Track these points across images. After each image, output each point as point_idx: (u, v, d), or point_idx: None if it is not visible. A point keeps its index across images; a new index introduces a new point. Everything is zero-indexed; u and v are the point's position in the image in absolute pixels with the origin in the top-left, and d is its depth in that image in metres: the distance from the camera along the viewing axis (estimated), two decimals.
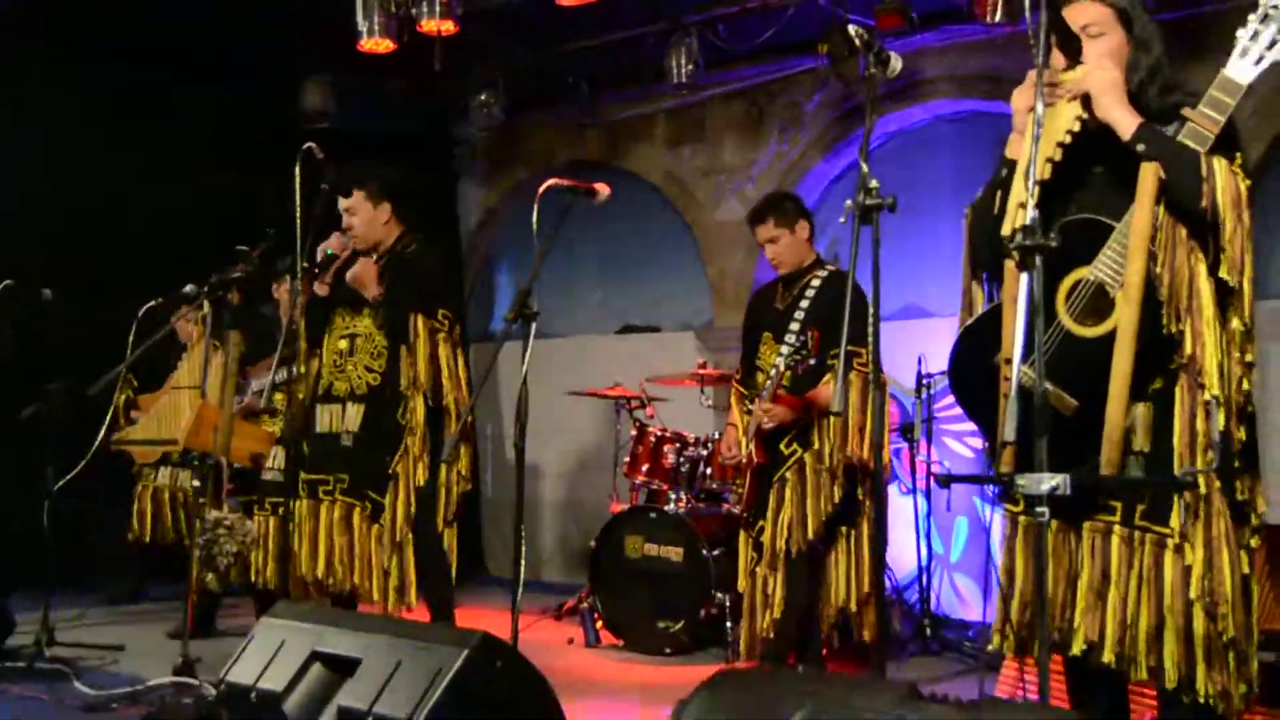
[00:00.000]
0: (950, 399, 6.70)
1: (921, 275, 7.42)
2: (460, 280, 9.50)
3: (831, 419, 4.81)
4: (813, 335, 4.92)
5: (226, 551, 4.48)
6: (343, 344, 5.02)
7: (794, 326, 4.99)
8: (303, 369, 5.03)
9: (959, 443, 7.24)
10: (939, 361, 6.48)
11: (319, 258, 4.93)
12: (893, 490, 6.88)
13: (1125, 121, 2.86)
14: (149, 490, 7.00)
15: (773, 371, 5.00)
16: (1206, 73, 2.90)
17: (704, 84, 7.82)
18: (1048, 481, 2.48)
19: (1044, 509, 2.52)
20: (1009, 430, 2.56)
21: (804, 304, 5.04)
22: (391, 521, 4.82)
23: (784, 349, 4.95)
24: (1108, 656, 2.84)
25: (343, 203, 5.00)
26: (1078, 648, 2.89)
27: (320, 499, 4.93)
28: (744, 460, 5.12)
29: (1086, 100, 2.89)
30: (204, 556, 4.48)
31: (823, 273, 5.13)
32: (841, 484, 4.85)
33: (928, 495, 6.64)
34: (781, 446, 4.97)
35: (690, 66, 7.47)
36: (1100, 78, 2.89)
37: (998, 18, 6.40)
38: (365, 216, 5.02)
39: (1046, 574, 2.74)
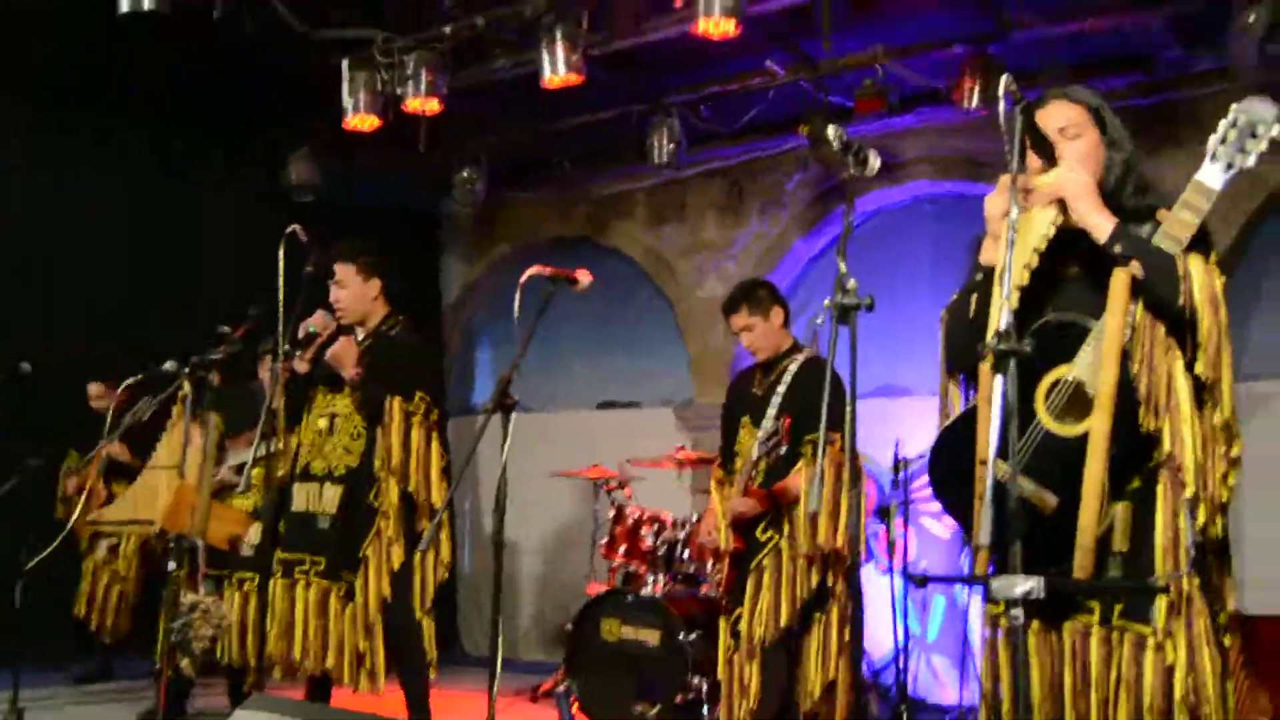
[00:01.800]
0: (926, 479, 6.73)
1: (899, 354, 7.44)
2: (439, 364, 9.51)
3: (802, 505, 4.80)
4: (784, 423, 4.92)
5: (203, 636, 4.43)
6: (322, 423, 5.01)
7: (771, 411, 5.00)
8: (281, 446, 5.02)
9: (936, 523, 7.24)
10: (915, 444, 6.49)
11: (301, 334, 4.93)
12: (870, 570, 6.86)
13: (1101, 225, 2.88)
14: (93, 565, 7.01)
15: (744, 464, 5.02)
16: (1179, 158, 2.96)
17: (686, 163, 7.89)
18: (1021, 586, 2.48)
19: (1018, 612, 2.53)
20: (983, 534, 2.57)
21: (781, 389, 5.05)
22: (364, 604, 4.79)
23: (760, 435, 4.95)
24: None
25: (336, 276, 5.03)
26: None
27: (295, 579, 4.90)
28: (722, 547, 5.11)
29: (1062, 204, 2.92)
30: (179, 641, 4.43)
31: (800, 357, 5.15)
32: (818, 570, 4.84)
33: (907, 586, 6.62)
34: (758, 533, 4.97)
35: (672, 146, 7.54)
36: (1075, 182, 2.92)
37: (974, 103, 6.49)
38: (355, 290, 5.04)
39: (1027, 679, 2.74)
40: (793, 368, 5.11)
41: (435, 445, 4.91)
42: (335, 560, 4.85)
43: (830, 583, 4.87)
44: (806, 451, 4.86)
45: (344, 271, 5.03)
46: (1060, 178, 2.93)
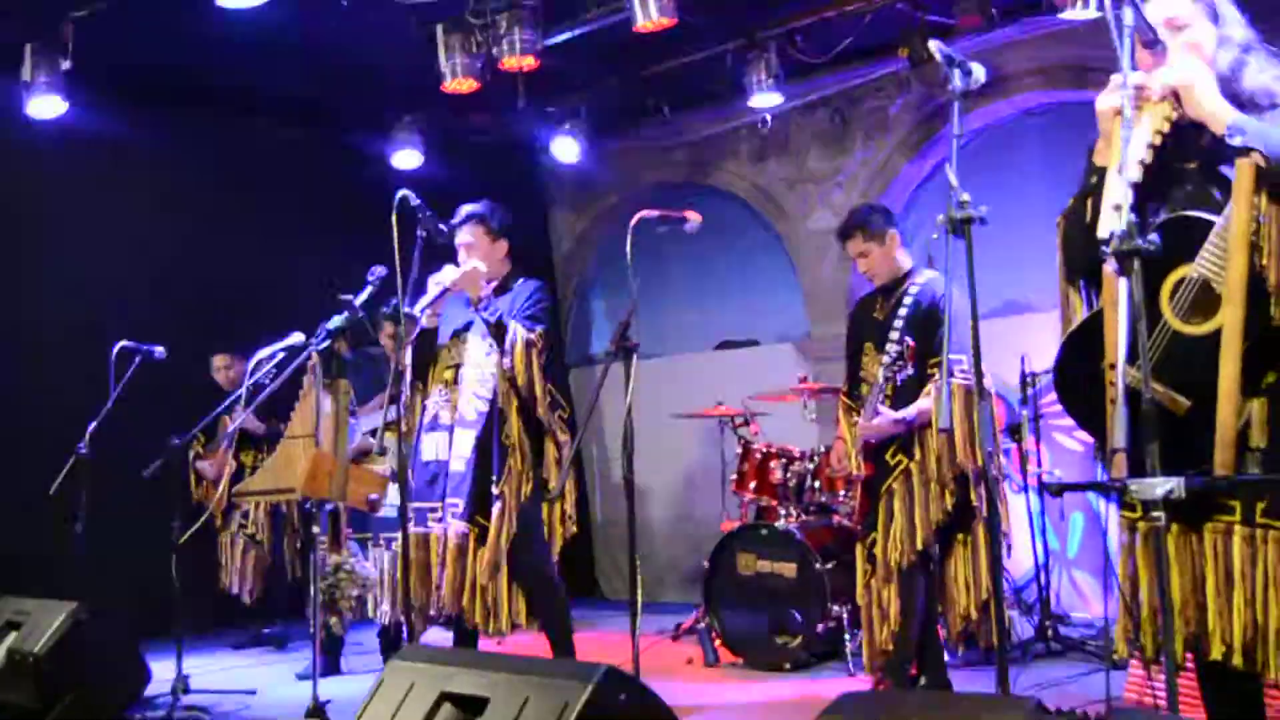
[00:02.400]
0: (1055, 395, 6.64)
1: (1019, 270, 7.32)
2: (555, 309, 9.59)
3: (933, 427, 4.78)
4: (908, 345, 4.89)
5: (348, 595, 4.57)
6: (448, 374, 5.11)
7: (894, 335, 4.96)
8: (409, 403, 5.13)
9: (1069, 438, 7.14)
10: (1041, 358, 6.40)
11: (431, 290, 5.01)
12: (1005, 489, 6.80)
13: (1218, 116, 2.80)
14: (228, 538, 7.31)
15: (874, 387, 4.99)
16: None
17: (786, 95, 7.82)
18: (1161, 486, 2.46)
19: (1159, 514, 2.50)
20: (1119, 437, 2.53)
21: (902, 312, 5.01)
22: (494, 543, 4.88)
23: (884, 359, 4.93)
24: (1237, 659, 2.79)
25: (461, 237, 5.10)
26: (1216, 652, 2.82)
27: (430, 526, 5.01)
28: (853, 473, 5.12)
29: (1176, 100, 2.84)
30: (327, 600, 4.58)
31: (920, 279, 5.10)
32: (953, 492, 4.82)
33: (1040, 493, 6.56)
34: (887, 457, 4.95)
35: (770, 80, 7.47)
36: (1189, 73, 2.84)
37: (1078, 7, 6.32)
38: (484, 251, 5.11)
39: (1169, 580, 2.70)
40: (913, 290, 5.06)
41: (550, 383, 4.97)
42: (471, 503, 4.94)
43: (974, 502, 4.84)
44: (934, 374, 4.82)
45: (474, 232, 5.11)
46: (1173, 70, 2.85)
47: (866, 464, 5.05)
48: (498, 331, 4.92)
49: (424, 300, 4.91)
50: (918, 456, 4.86)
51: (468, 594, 4.90)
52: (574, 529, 5.07)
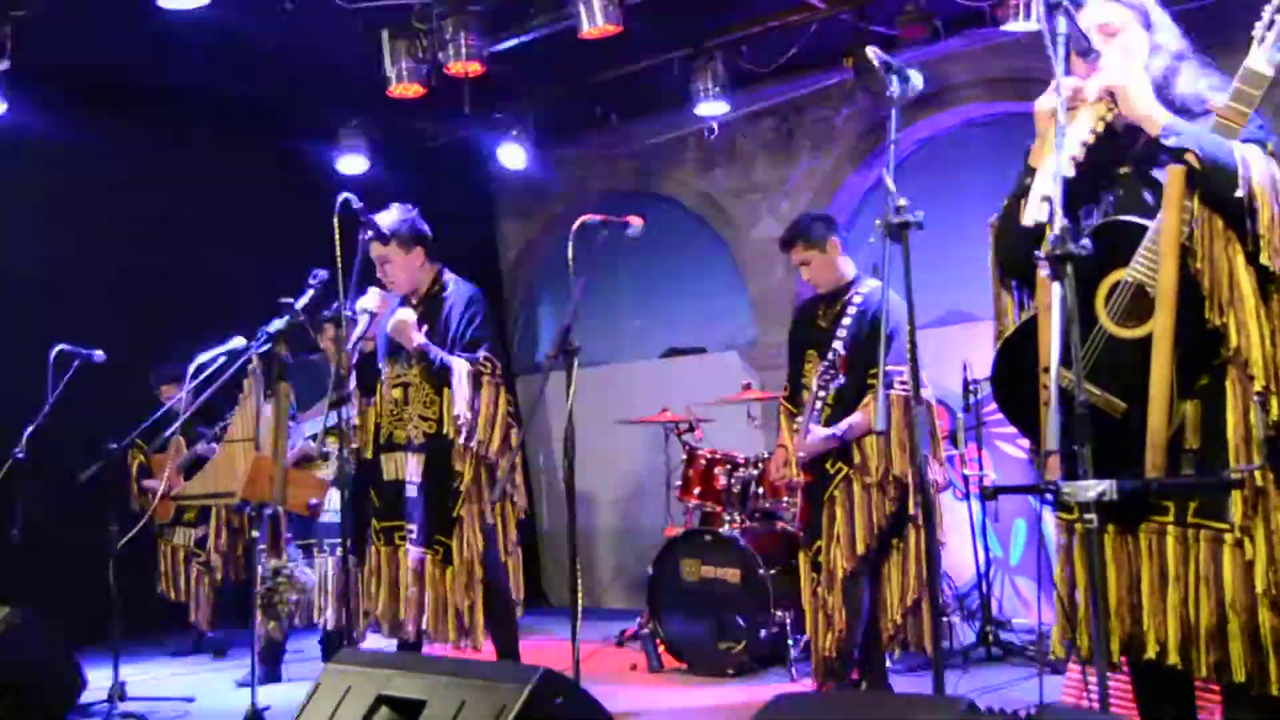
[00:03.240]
0: None
1: (960, 280, 7.38)
2: (501, 316, 9.58)
3: (873, 436, 4.82)
4: (840, 356, 4.88)
5: (287, 599, 4.54)
6: (396, 393, 5.10)
7: (837, 345, 4.96)
8: (358, 421, 5.12)
9: (1011, 445, 7.20)
10: (983, 367, 6.45)
11: (357, 317, 4.99)
12: (947, 497, 6.85)
13: (1152, 118, 2.84)
14: (169, 549, 7.24)
15: (805, 397, 5.02)
16: (1235, 60, 2.88)
17: (732, 105, 7.86)
18: (1094, 489, 2.48)
19: (1092, 515, 2.53)
20: (1051, 439, 2.56)
21: (845, 321, 5.03)
22: (465, 564, 4.90)
23: (819, 369, 4.95)
24: (1173, 658, 2.82)
25: (374, 252, 5.05)
26: (1151, 651, 2.86)
27: (397, 544, 5.02)
28: (793, 480, 5.14)
29: (1112, 101, 2.88)
30: (265, 604, 4.54)
31: (864, 289, 5.13)
32: (893, 498, 4.85)
33: (982, 501, 6.61)
34: (827, 466, 4.98)
35: (716, 89, 7.50)
36: (1124, 74, 2.88)
37: (1020, 20, 6.39)
38: (400, 264, 5.08)
39: (1103, 581, 2.73)
40: (857, 300, 5.08)
41: (503, 400, 4.96)
42: (426, 526, 4.96)
43: (912, 509, 4.86)
44: (873, 383, 4.84)
45: (385, 251, 5.05)
46: (1109, 71, 2.89)
47: (806, 472, 5.07)
48: (439, 377, 4.92)
49: (356, 332, 4.87)
50: (857, 462, 4.89)
51: (431, 614, 4.92)
52: (523, 515, 5.07)
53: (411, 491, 5.00)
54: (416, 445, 5.01)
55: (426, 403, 4.99)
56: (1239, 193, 2.74)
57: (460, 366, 4.90)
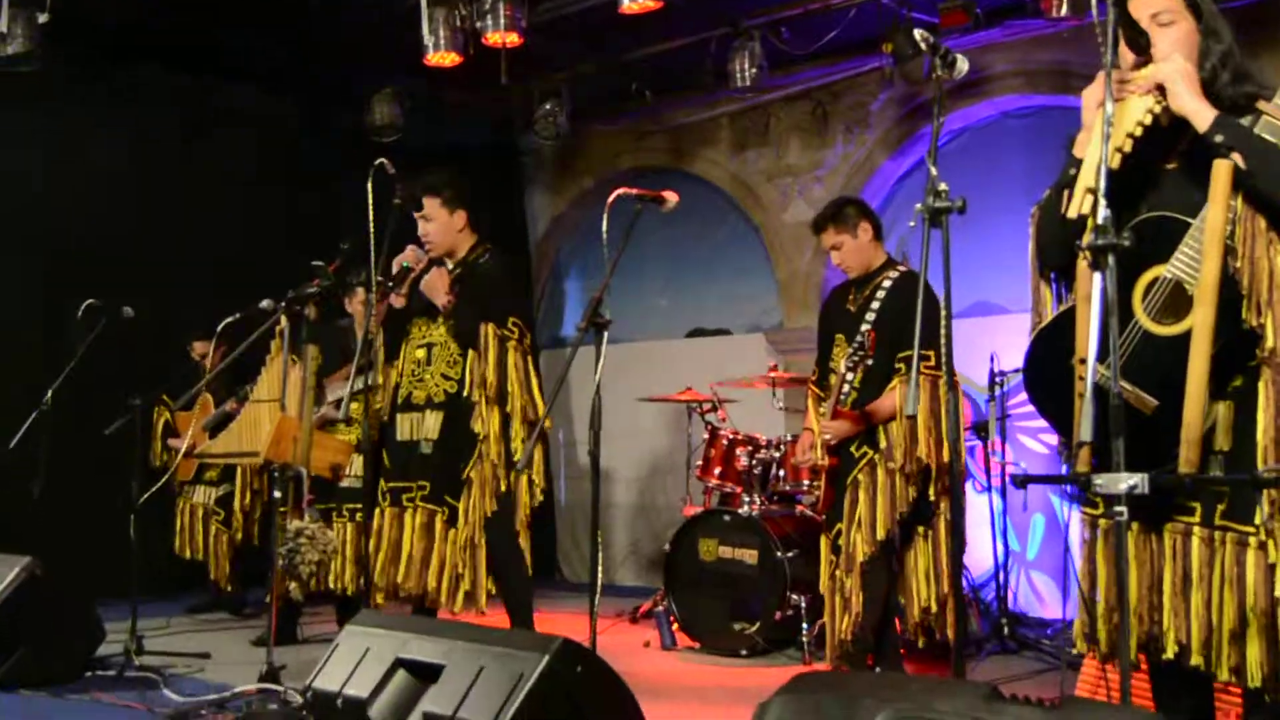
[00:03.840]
0: (1023, 396, 6.67)
1: (992, 271, 7.36)
2: (529, 289, 9.59)
3: (897, 420, 4.81)
4: (869, 335, 4.90)
5: (309, 560, 4.55)
6: (420, 353, 5.09)
7: (865, 328, 4.99)
8: (380, 379, 5.12)
9: (1034, 440, 7.18)
10: (1011, 359, 6.44)
11: (394, 270, 5.01)
12: (968, 489, 6.84)
13: (1202, 113, 2.81)
14: (188, 507, 7.28)
15: (833, 381, 5.03)
16: (1272, 61, 2.85)
17: (767, 86, 7.83)
18: (1125, 481, 2.46)
19: (1122, 509, 2.51)
20: (1085, 430, 2.53)
21: (874, 305, 5.04)
22: (466, 525, 4.88)
23: (849, 351, 4.96)
24: (1195, 659, 2.81)
25: (420, 210, 5.08)
26: (1171, 651, 2.84)
27: (404, 506, 5.01)
28: (818, 464, 5.14)
29: (1161, 93, 2.85)
30: (286, 566, 4.56)
31: (894, 274, 5.13)
32: (916, 485, 4.86)
33: (1003, 494, 6.60)
34: (852, 449, 5.01)
35: (754, 70, 7.48)
36: (1174, 69, 2.84)
37: (1063, 11, 6.36)
38: (441, 223, 5.08)
39: (1127, 575, 2.72)
40: (886, 284, 5.09)
41: (531, 367, 4.97)
42: (438, 485, 4.95)
43: (933, 496, 4.88)
44: (901, 367, 4.86)
45: (429, 205, 5.07)
46: (1158, 65, 2.86)
47: (831, 456, 5.08)
48: (468, 337, 4.92)
49: (391, 284, 4.91)
50: (882, 446, 4.90)
51: (433, 575, 4.91)
52: (541, 498, 5.06)
53: (426, 449, 5.00)
54: (436, 404, 5.00)
55: (450, 362, 5.00)
56: None
57: (486, 331, 4.90)
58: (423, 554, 4.92)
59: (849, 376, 4.96)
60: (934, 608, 4.94)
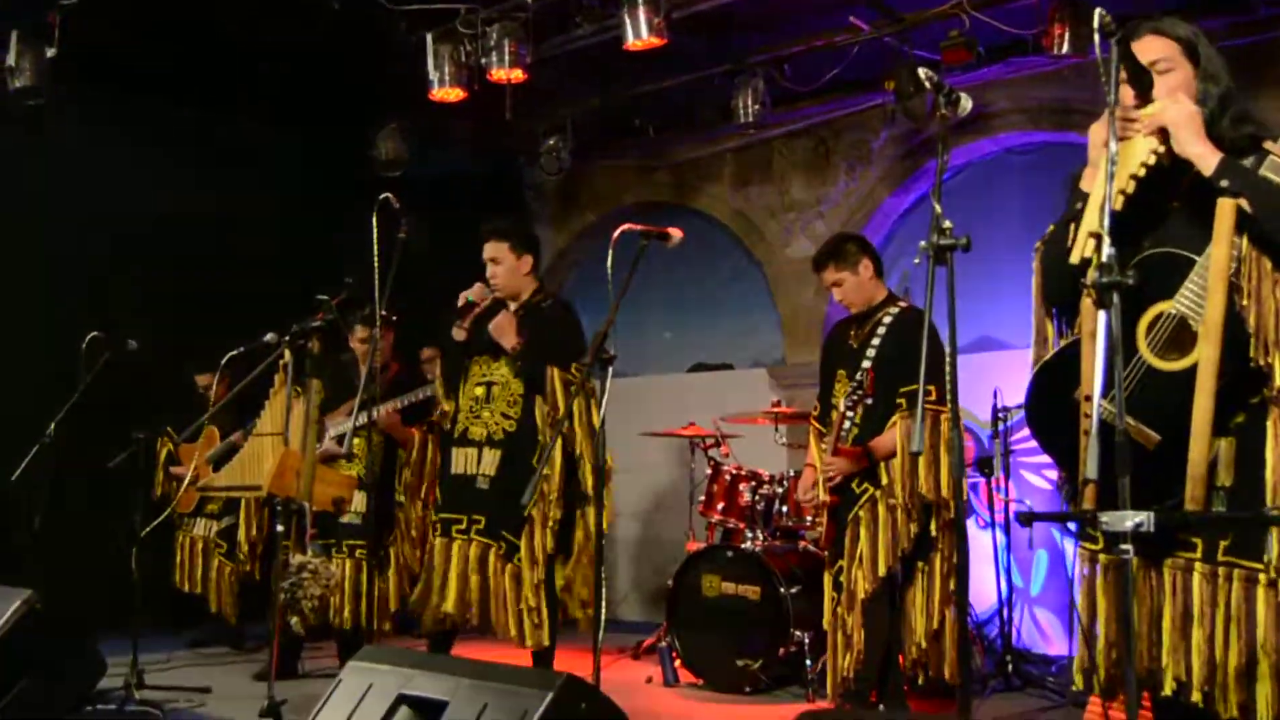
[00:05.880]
0: (1026, 431, 6.67)
1: (994, 307, 7.38)
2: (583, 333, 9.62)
3: (899, 457, 4.81)
4: (868, 374, 4.91)
5: (311, 595, 4.54)
6: (479, 390, 5.18)
7: (866, 365, 5.00)
8: (445, 407, 5.27)
9: (1037, 475, 7.17)
10: (1014, 394, 6.44)
11: (460, 303, 5.14)
12: (970, 525, 6.82)
13: (1206, 156, 2.82)
14: (187, 540, 7.28)
15: (836, 418, 5.02)
16: (1273, 100, 2.87)
17: (770, 123, 7.87)
18: (1131, 519, 2.46)
19: (1128, 546, 2.50)
20: (1090, 468, 2.53)
21: (875, 341, 5.05)
22: (531, 561, 4.95)
23: (848, 390, 4.96)
24: (1195, 696, 2.80)
25: (487, 251, 5.20)
26: (1169, 688, 2.83)
27: (453, 537, 5.10)
28: (820, 500, 5.13)
29: (1164, 135, 2.87)
30: (288, 600, 4.55)
31: (894, 309, 5.14)
32: (918, 521, 4.84)
33: (1006, 530, 6.58)
34: (853, 486, 5.00)
35: (757, 106, 7.53)
36: (1178, 111, 2.86)
37: (1064, 49, 6.40)
38: (509, 266, 5.21)
39: (1131, 613, 2.71)
40: (887, 320, 5.10)
41: (594, 410, 4.99)
42: (495, 520, 5.02)
43: (933, 533, 4.87)
44: (903, 403, 4.86)
45: (497, 249, 5.20)
46: (1163, 107, 2.87)
47: (833, 494, 5.07)
48: (535, 380, 5.02)
49: (455, 317, 5.10)
50: (884, 483, 4.90)
51: (495, 608, 5.00)
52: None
53: (482, 484, 5.08)
54: (495, 441, 5.09)
55: (510, 402, 5.08)
56: None
57: (553, 373, 4.99)
58: (479, 586, 5.01)
59: (849, 414, 4.97)
60: (925, 644, 4.91)
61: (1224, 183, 2.78)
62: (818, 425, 5.29)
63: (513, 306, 5.23)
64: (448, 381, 5.29)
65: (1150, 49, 2.98)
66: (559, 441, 4.93)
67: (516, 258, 5.22)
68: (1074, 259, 2.83)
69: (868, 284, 5.18)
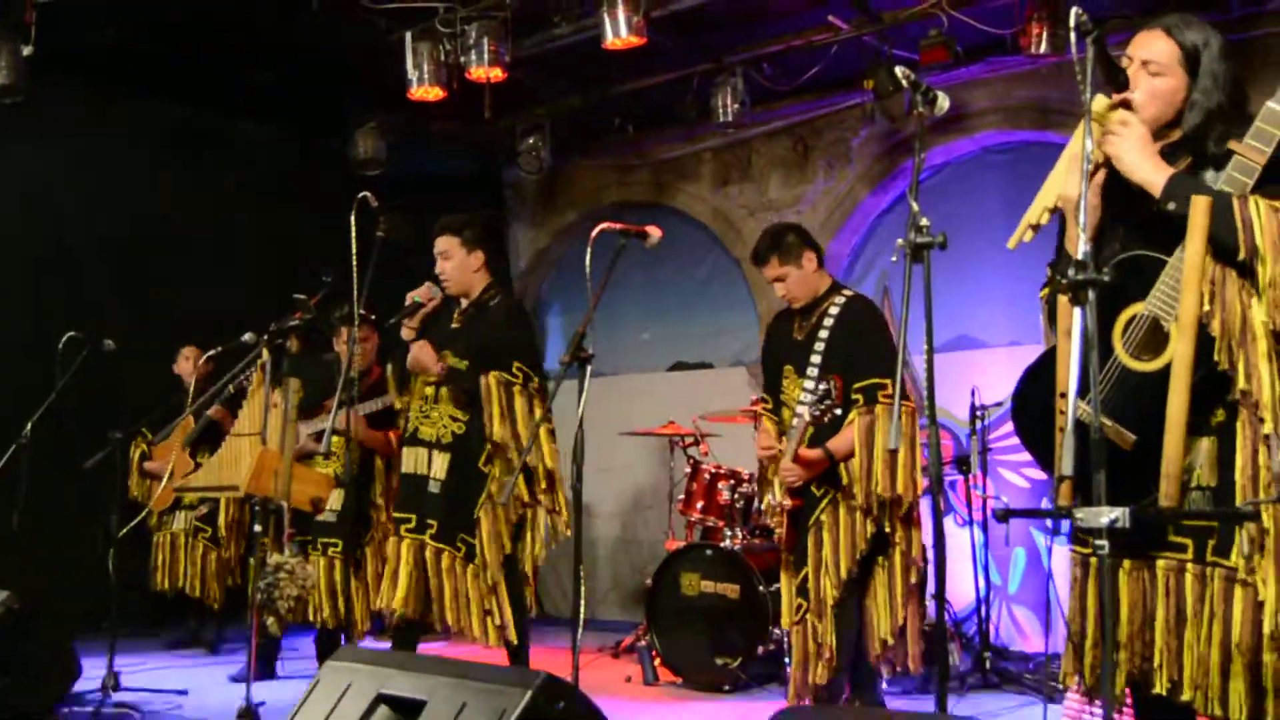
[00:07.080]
0: (1005, 429, 6.70)
1: (972, 306, 7.41)
2: (534, 331, 9.60)
3: (856, 456, 4.68)
4: (835, 383, 4.61)
5: (287, 595, 4.53)
6: (429, 390, 5.12)
7: (815, 359, 4.81)
8: (396, 401, 5.29)
9: (1015, 473, 7.20)
10: (992, 393, 6.46)
11: (406, 303, 5.06)
12: (949, 523, 6.84)
13: (1153, 181, 2.84)
14: (167, 537, 7.21)
15: (795, 421, 4.77)
16: (1259, 97, 2.88)
17: (749, 122, 7.88)
18: (1106, 515, 2.47)
19: (1103, 542, 2.51)
20: (1066, 465, 2.55)
21: (823, 334, 4.83)
22: (484, 563, 4.92)
23: (805, 397, 4.73)
24: (1187, 695, 2.80)
25: (437, 245, 5.12)
26: (1161, 687, 2.84)
27: (402, 536, 5.05)
28: (780, 506, 4.93)
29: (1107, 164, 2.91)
30: (265, 600, 4.53)
31: (840, 299, 4.91)
32: (875, 520, 4.71)
33: (984, 527, 6.60)
34: (814, 489, 4.81)
35: (736, 105, 7.54)
36: (1122, 145, 2.88)
37: (1043, 49, 6.43)
38: (458, 261, 5.12)
39: (1113, 612, 2.72)
40: (834, 310, 4.86)
41: (539, 410, 4.95)
42: (448, 523, 4.97)
43: (887, 529, 4.73)
44: (859, 399, 4.69)
45: (448, 244, 5.11)
46: (1109, 140, 2.89)
47: (794, 497, 4.87)
48: (470, 396, 4.94)
49: (401, 317, 5.00)
50: (844, 484, 4.73)
51: (458, 610, 4.95)
52: (568, 533, 5.05)
53: (433, 488, 5.01)
54: (444, 444, 5.02)
55: (459, 404, 5.01)
56: (1240, 256, 2.74)
57: (489, 383, 4.90)
58: (438, 589, 4.96)
59: (809, 416, 4.64)
60: (891, 639, 4.80)
61: (1170, 206, 2.80)
62: (762, 406, 5.12)
63: (464, 304, 5.16)
64: (399, 380, 5.24)
65: (1151, 48, 2.97)
66: (501, 450, 4.89)
67: (467, 253, 5.12)
68: (1010, 244, 2.87)
69: (812, 277, 4.93)
